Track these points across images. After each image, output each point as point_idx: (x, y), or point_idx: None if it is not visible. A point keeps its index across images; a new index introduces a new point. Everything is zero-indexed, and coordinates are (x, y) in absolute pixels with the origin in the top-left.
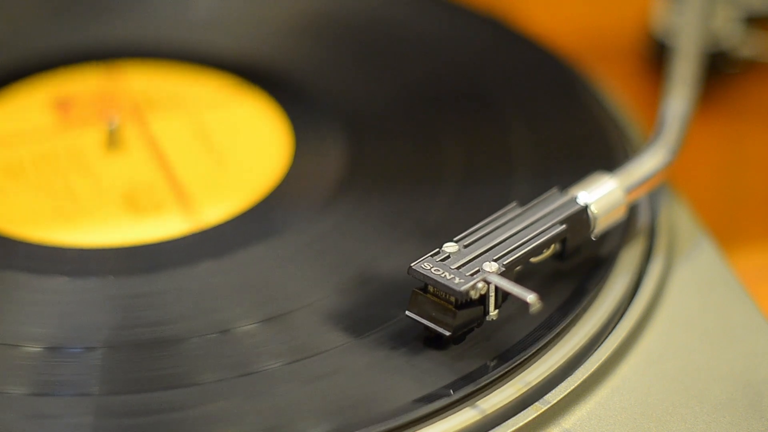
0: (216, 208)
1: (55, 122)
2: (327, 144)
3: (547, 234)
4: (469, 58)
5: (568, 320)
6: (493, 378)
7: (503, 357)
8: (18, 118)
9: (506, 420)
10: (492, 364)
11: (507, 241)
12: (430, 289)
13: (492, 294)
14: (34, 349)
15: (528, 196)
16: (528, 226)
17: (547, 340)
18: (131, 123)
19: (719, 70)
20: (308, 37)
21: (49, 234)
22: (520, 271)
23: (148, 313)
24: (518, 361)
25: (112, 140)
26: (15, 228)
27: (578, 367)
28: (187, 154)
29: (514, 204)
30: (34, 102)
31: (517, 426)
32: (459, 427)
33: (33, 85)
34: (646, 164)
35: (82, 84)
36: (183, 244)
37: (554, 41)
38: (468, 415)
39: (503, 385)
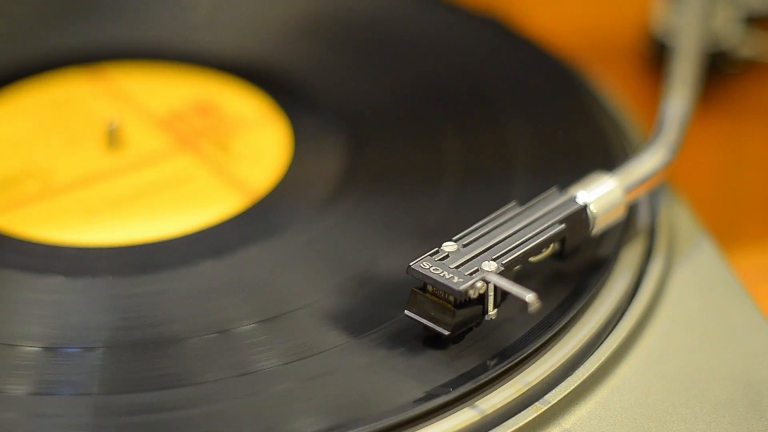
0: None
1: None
2: (327, 144)
3: (546, 233)
4: (469, 58)
5: (567, 320)
6: (492, 376)
7: (502, 356)
8: (162, 93)
9: (506, 420)
10: (491, 363)
11: (506, 240)
12: (429, 288)
13: (491, 293)
14: (34, 348)
15: (528, 196)
16: (527, 225)
17: (546, 340)
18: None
19: (719, 70)
20: (308, 37)
21: None
22: (519, 270)
23: (147, 313)
24: (517, 360)
25: (112, 141)
26: None
27: (578, 367)
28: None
29: (513, 203)
30: (180, 92)
31: (517, 426)
32: (459, 427)
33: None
34: (646, 164)
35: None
36: (183, 243)
37: (554, 41)
38: (468, 415)
39: (503, 385)
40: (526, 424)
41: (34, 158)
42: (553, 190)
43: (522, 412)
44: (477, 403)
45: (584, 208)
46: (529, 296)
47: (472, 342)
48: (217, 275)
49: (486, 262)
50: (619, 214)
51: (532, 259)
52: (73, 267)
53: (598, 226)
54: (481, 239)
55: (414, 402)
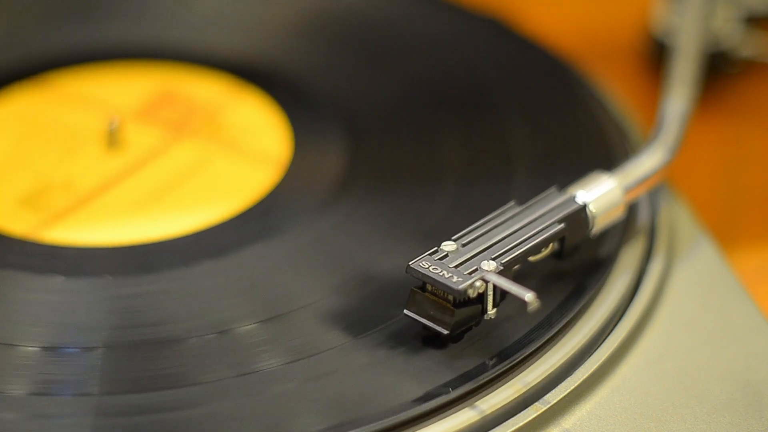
0: (74, 232)
1: (133, 110)
2: (327, 144)
3: (546, 233)
4: (469, 58)
5: (567, 319)
6: (492, 377)
7: (502, 356)
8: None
9: (506, 420)
10: (491, 362)
11: (505, 239)
12: (429, 287)
13: (490, 293)
14: (34, 348)
15: (528, 196)
16: (526, 224)
17: (546, 339)
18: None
19: (719, 70)
20: (308, 37)
21: None
22: (520, 270)
23: (148, 313)
24: (517, 360)
25: (112, 140)
26: None
27: (578, 367)
28: (164, 169)
29: (512, 203)
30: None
31: (517, 426)
32: (459, 427)
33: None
34: (645, 163)
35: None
36: (183, 243)
37: (554, 41)
38: (468, 415)
39: (503, 385)
40: (526, 424)
41: (40, 168)
42: (553, 189)
43: (522, 412)
44: (477, 403)
45: (583, 207)
46: (528, 295)
47: (472, 342)
48: (217, 275)
49: (485, 261)
50: (618, 213)
51: (531, 258)
52: (73, 267)
53: (597, 226)
54: (481, 238)
55: (413, 402)
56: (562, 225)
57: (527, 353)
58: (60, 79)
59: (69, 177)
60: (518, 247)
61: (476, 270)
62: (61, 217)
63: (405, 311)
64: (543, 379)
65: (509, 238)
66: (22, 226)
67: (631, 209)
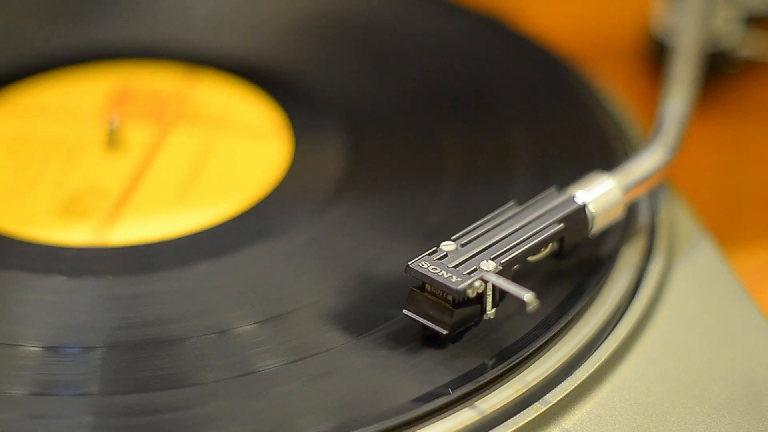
0: (130, 230)
1: (98, 112)
2: (327, 144)
3: (545, 233)
4: (469, 57)
5: (567, 319)
6: (492, 377)
7: (502, 356)
8: (71, 98)
9: (506, 420)
10: (490, 363)
11: (504, 239)
12: (428, 287)
13: (489, 293)
14: (34, 348)
15: (528, 196)
16: (526, 224)
17: (546, 339)
18: (148, 125)
19: (719, 70)
20: (308, 37)
21: None
22: (519, 270)
23: (148, 313)
24: (517, 360)
25: (112, 140)
26: None
27: (578, 367)
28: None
29: (511, 203)
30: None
31: (517, 426)
32: (459, 427)
33: (92, 73)
34: (645, 163)
35: (144, 81)
36: (184, 244)
37: (554, 41)
38: (467, 415)
39: (503, 385)
40: (525, 425)
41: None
42: (552, 189)
43: (522, 413)
44: (477, 403)
45: (583, 207)
46: (527, 296)
47: (472, 342)
48: (217, 275)
49: (484, 261)
50: (617, 213)
51: (530, 258)
52: (73, 267)
53: (596, 226)
54: (480, 239)
55: (413, 402)
56: (561, 225)
57: (527, 353)
58: (42, 83)
59: (92, 182)
60: (517, 247)
61: (475, 270)
62: (108, 218)
63: (404, 311)
64: (543, 379)
65: (508, 238)
66: (80, 235)
67: (631, 209)
